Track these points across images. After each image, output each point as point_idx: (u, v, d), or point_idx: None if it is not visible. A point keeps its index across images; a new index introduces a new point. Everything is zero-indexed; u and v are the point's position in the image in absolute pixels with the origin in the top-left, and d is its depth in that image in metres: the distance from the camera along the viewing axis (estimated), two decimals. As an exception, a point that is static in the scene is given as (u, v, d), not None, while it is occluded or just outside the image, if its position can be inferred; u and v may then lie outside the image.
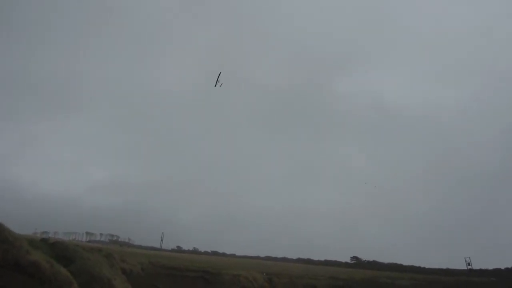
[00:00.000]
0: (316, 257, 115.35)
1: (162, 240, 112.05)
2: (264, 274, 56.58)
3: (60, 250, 41.25)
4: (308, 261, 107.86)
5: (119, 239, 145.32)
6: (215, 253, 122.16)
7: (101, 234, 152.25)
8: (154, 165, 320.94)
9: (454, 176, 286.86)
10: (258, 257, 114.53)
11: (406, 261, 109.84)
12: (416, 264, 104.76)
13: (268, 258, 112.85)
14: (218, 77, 36.23)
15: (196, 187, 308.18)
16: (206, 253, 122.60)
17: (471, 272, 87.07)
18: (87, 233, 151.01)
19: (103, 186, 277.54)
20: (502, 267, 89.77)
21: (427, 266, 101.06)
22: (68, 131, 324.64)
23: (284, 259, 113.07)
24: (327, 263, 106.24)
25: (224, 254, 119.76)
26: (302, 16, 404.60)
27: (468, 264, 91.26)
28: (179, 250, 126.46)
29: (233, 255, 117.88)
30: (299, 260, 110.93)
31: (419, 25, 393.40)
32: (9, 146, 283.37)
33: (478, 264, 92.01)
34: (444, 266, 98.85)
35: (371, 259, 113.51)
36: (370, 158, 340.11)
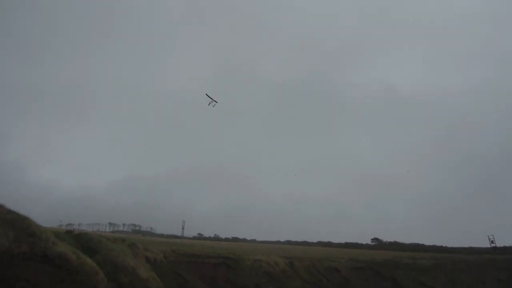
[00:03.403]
0: (336, 240, 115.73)
1: (183, 228, 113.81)
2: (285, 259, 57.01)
3: (85, 242, 42.42)
4: (329, 244, 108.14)
5: (141, 229, 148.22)
6: (235, 239, 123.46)
7: (123, 225, 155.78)
8: (171, 160, 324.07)
9: (472, 156, 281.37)
10: (278, 242, 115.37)
11: (427, 241, 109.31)
12: (438, 243, 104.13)
13: (288, 243, 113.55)
14: (212, 99, 36.08)
15: (213, 179, 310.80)
16: (226, 239, 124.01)
17: (494, 250, 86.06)
18: (110, 223, 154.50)
19: (123, 180, 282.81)
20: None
21: (449, 245, 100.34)
22: (85, 130, 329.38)
23: (304, 243, 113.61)
24: (347, 245, 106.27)
25: (244, 240, 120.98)
26: (308, 7, 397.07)
27: (492, 242, 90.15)
28: (200, 237, 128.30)
29: (253, 241, 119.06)
30: (319, 244, 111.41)
31: (428, 11, 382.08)
32: (31, 148, 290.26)
33: (502, 241, 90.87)
34: (467, 245, 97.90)
35: (392, 240, 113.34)
36: (381, 143, 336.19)
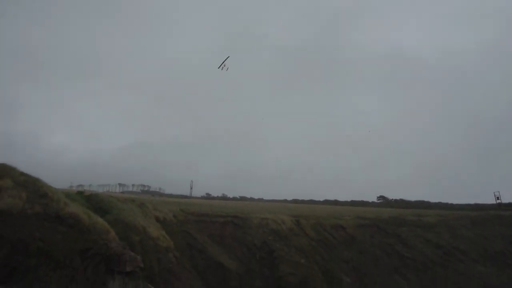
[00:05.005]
0: (342, 198, 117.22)
1: (191, 188, 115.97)
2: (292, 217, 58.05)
3: (96, 202, 43.45)
4: (335, 203, 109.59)
5: (150, 189, 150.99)
6: (243, 199, 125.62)
7: (133, 185, 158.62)
8: (179, 124, 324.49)
9: (479, 115, 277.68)
10: (285, 201, 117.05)
11: (433, 199, 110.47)
12: (444, 201, 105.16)
13: (295, 201, 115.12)
14: (225, 60, 35.07)
15: (220, 142, 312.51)
16: (234, 199, 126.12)
17: (500, 206, 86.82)
18: (119, 184, 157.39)
19: (131, 145, 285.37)
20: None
21: (455, 203, 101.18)
22: (94, 97, 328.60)
23: (311, 201, 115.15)
24: (353, 203, 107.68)
25: (252, 199, 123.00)
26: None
27: (497, 198, 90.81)
28: (208, 197, 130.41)
29: (260, 200, 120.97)
30: (325, 202, 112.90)
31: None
32: (41, 115, 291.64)
33: (508, 198, 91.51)
34: (472, 202, 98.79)
35: (398, 198, 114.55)
36: (386, 104, 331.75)
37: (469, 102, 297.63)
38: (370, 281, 48.41)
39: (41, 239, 27.12)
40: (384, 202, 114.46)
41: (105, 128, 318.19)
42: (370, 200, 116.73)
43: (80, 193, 50.15)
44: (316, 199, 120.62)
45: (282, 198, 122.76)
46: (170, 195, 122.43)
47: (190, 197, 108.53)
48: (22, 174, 34.05)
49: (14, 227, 26.98)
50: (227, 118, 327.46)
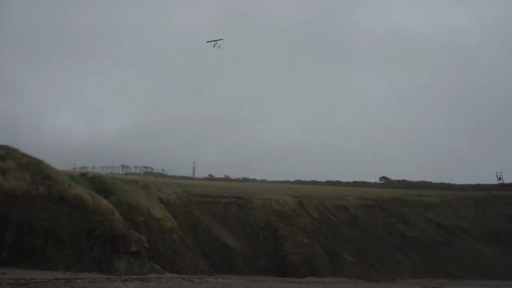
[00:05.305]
0: (345, 179, 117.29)
1: (194, 169, 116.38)
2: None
3: (99, 183, 43.65)
4: (337, 183, 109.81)
5: (153, 171, 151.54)
6: (246, 180, 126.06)
7: (135, 167, 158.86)
8: (180, 105, 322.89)
9: (481, 96, 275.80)
10: (287, 182, 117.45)
11: (435, 179, 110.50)
12: (446, 181, 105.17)
13: (297, 182, 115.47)
14: (218, 40, 34.63)
15: (222, 123, 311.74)
16: (237, 180, 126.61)
17: (502, 186, 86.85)
18: (122, 166, 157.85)
19: (133, 126, 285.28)
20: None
21: (457, 183, 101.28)
22: (97, 75, 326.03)
23: (313, 182, 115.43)
24: (356, 184, 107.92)
25: (254, 181, 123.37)
26: None
27: (499, 178, 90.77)
28: (211, 178, 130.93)
29: (263, 181, 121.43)
30: (328, 183, 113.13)
31: None
32: (43, 96, 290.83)
33: (510, 178, 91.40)
34: (474, 182, 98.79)
35: (400, 179, 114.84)
36: (389, 84, 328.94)
37: (472, 81, 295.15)
38: (373, 260, 48.91)
39: (47, 220, 27.33)
40: (386, 182, 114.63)
41: (107, 110, 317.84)
42: (372, 181, 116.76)
43: (83, 174, 50.33)
44: (319, 180, 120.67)
45: (284, 179, 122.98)
46: (173, 177, 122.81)
47: (193, 178, 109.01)
48: (25, 155, 34.13)
49: (19, 208, 27.17)
50: (229, 99, 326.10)
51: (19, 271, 22.74)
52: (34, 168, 32.43)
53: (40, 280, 20.72)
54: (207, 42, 34.97)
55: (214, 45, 33.41)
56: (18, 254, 25.53)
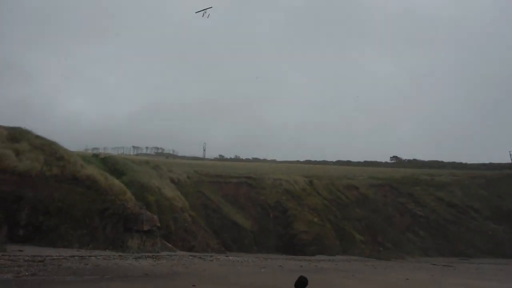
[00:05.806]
0: (355, 159, 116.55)
1: (204, 150, 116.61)
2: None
3: (112, 164, 44.34)
4: (348, 163, 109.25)
5: (164, 152, 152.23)
6: (256, 160, 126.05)
7: (147, 148, 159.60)
8: (191, 87, 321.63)
9: (492, 74, 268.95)
10: (298, 162, 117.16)
11: (447, 158, 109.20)
12: (458, 160, 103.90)
13: (308, 162, 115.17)
14: (207, 9, 33.96)
15: (232, 104, 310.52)
16: (247, 160, 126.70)
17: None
18: (133, 147, 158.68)
19: (144, 109, 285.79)
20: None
21: (469, 162, 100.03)
22: (108, 58, 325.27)
23: (323, 162, 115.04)
24: (366, 164, 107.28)
25: (264, 161, 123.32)
26: None
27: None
28: (221, 158, 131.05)
29: (273, 161, 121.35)
30: (338, 163, 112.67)
31: None
32: (56, 76, 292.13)
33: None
34: (487, 161, 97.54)
35: (411, 158, 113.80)
36: (400, 64, 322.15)
37: (484, 60, 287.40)
38: (383, 238, 49.19)
39: (61, 199, 27.94)
40: (397, 162, 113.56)
41: (118, 92, 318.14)
42: (383, 161, 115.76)
43: (95, 155, 51.07)
44: (329, 160, 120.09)
45: (294, 159, 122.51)
46: (184, 157, 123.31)
47: (203, 159, 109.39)
48: (38, 137, 34.69)
49: (34, 188, 27.77)
50: (239, 79, 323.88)
51: (36, 249, 23.42)
52: (47, 149, 32.98)
53: (55, 257, 21.34)
54: (196, 12, 34.49)
55: (203, 14, 32.96)
56: (34, 232, 26.24)
